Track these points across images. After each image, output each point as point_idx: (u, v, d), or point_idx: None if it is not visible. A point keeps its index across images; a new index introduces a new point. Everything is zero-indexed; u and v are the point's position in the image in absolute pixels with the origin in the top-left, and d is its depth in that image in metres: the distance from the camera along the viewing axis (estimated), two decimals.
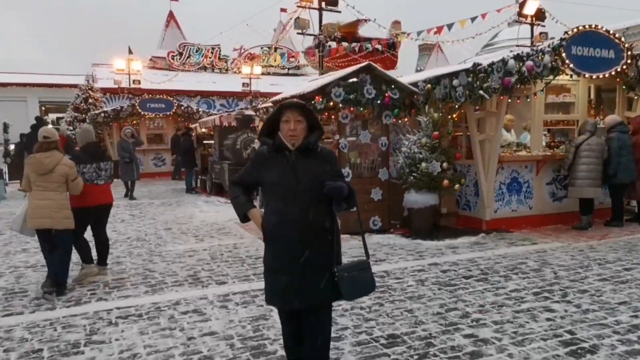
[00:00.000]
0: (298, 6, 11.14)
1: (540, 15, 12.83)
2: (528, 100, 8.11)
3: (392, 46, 22.33)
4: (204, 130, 14.75)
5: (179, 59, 29.89)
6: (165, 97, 19.68)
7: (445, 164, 7.61)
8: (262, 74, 25.84)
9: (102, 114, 18.81)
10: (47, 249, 5.36)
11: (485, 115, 7.99)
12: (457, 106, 7.77)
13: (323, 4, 11.34)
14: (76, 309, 4.88)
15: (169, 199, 13.32)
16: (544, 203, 8.60)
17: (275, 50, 31.92)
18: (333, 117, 9.01)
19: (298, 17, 11.46)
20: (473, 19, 13.77)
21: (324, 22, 11.67)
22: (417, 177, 7.70)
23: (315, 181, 2.95)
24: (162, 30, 33.37)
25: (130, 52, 22.80)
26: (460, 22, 14.17)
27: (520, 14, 12.61)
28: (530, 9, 12.54)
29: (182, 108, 19.55)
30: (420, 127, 8.01)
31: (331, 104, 7.96)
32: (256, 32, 28.69)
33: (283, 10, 34.36)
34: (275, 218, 3.01)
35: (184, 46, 30.59)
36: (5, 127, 20.84)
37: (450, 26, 14.28)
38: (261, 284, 4.24)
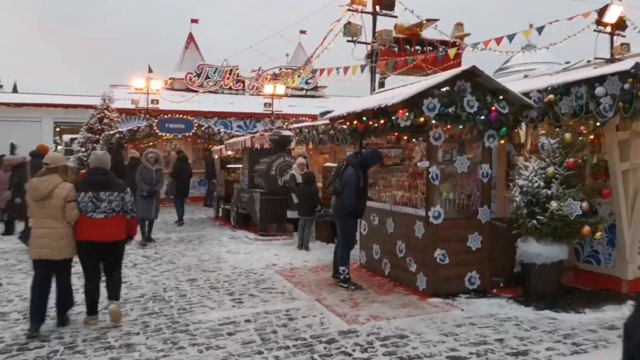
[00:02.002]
0: (349, 9, 8.94)
1: (621, 23, 10.67)
2: None
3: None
4: (230, 152, 12.39)
5: (197, 79, 27.98)
6: (184, 117, 17.43)
7: (585, 204, 5.17)
8: (276, 97, 23.68)
9: (117, 135, 16.53)
10: (38, 281, 4.71)
11: (630, 136, 5.60)
12: (597, 123, 5.36)
13: (377, 7, 9.15)
14: None
15: (187, 233, 10.87)
16: None
17: (293, 72, 29.93)
18: (407, 138, 6.66)
19: (349, 23, 9.20)
20: (540, 30, 11.48)
21: (377, 27, 9.45)
22: (545, 222, 5.26)
23: None
24: (181, 52, 31.53)
25: (150, 70, 20.67)
26: (524, 33, 11.88)
27: (599, 22, 10.44)
28: (611, 17, 10.35)
29: (203, 129, 17.27)
30: (543, 152, 5.61)
31: (421, 119, 5.59)
32: (268, 57, 26.80)
33: (302, 32, 32.54)
34: None
35: (202, 67, 28.73)
36: (13, 148, 18.62)
37: (511, 37, 12.00)
38: None
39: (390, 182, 6.86)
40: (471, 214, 5.89)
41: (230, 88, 29.05)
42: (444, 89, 5.66)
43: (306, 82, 31.42)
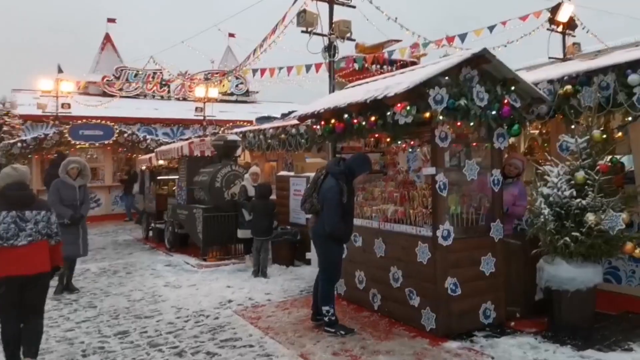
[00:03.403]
0: None
1: (571, 23, 10.32)
2: None
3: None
4: (161, 162, 10.42)
5: (117, 82, 25.04)
6: (103, 122, 14.97)
7: (625, 216, 4.16)
8: (208, 101, 21.62)
9: (19, 144, 13.75)
10: None
11: None
12: (629, 118, 4.40)
13: None
14: None
15: (111, 261, 8.74)
16: None
17: (230, 72, 27.98)
18: (389, 140, 5.40)
19: (304, 11, 7.78)
20: (491, 28, 10.84)
21: (334, 19, 8.13)
22: (581, 239, 4.18)
23: None
24: (96, 54, 28.27)
25: (60, 70, 17.74)
26: (475, 32, 11.20)
27: (551, 21, 9.99)
28: (563, 16, 9.93)
29: (125, 136, 14.92)
30: (564, 154, 4.56)
31: (427, 114, 4.31)
32: (198, 54, 24.81)
33: (231, 35, 30.68)
34: None
35: (122, 70, 25.79)
36: None
37: (463, 37, 11.26)
38: None
39: (373, 194, 5.52)
40: (482, 231, 4.69)
41: (153, 94, 26.47)
42: (447, 78, 4.44)
43: (236, 87, 29.64)
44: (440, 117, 4.34)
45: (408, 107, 4.31)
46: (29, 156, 14.19)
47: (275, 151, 10.73)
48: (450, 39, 11.38)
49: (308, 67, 12.77)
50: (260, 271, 7.09)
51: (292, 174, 8.47)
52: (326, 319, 4.61)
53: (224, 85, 27.42)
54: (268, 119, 14.85)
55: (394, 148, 5.96)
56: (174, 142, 14.34)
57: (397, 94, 4.29)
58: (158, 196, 10.48)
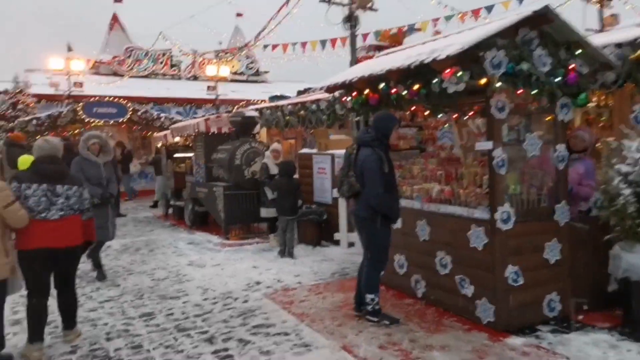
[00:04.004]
0: None
1: None
2: None
3: None
4: (177, 139, 9.94)
5: (128, 60, 24.48)
6: (116, 100, 14.47)
7: None
8: (219, 80, 20.95)
9: (34, 121, 13.32)
10: None
11: None
12: None
13: None
14: None
15: (133, 238, 8.36)
16: None
17: (231, 58, 27.28)
18: (429, 113, 4.86)
19: None
20: (489, 9, 10.16)
21: None
22: None
23: None
24: (105, 34, 27.55)
25: (69, 49, 17.17)
26: (504, 4, 10.47)
27: None
28: None
29: (139, 114, 14.43)
30: None
31: (482, 80, 3.76)
32: (207, 32, 24.06)
33: (239, 15, 29.84)
34: None
35: (132, 50, 25.13)
36: None
37: (490, 9, 10.54)
38: None
39: (412, 172, 5.00)
40: (545, 214, 4.16)
41: (164, 74, 25.94)
42: (504, 41, 3.87)
43: (247, 67, 28.97)
44: (498, 84, 3.78)
45: (460, 73, 3.76)
46: (45, 134, 13.79)
47: (293, 129, 10.21)
48: (476, 12, 10.68)
49: (324, 43, 12.12)
50: (286, 251, 6.65)
51: (314, 151, 7.95)
52: (369, 307, 4.14)
53: (234, 65, 26.73)
54: (281, 98, 14.27)
55: (434, 122, 5.41)
56: (216, 115, 13.67)
57: (449, 56, 3.71)
58: (175, 174, 10.03)
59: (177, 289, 5.32)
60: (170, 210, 10.40)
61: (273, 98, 17.07)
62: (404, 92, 4.30)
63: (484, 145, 4.01)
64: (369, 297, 4.13)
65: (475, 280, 4.11)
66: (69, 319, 3.94)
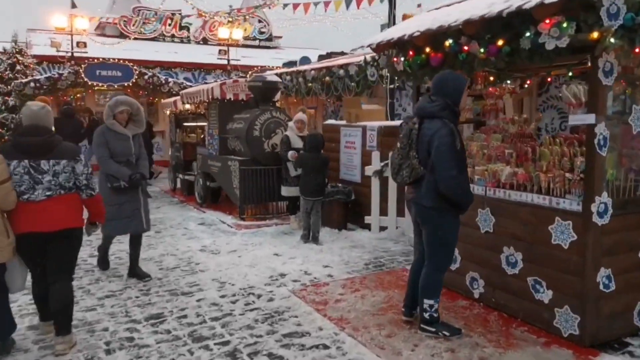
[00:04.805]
0: None
1: None
2: None
3: None
4: (187, 106, 9.11)
5: (134, 25, 23.49)
6: (122, 62, 13.58)
7: None
8: (231, 45, 19.86)
9: (32, 84, 12.51)
10: None
11: None
12: None
13: None
14: None
15: None
16: None
17: (245, 20, 26.09)
18: (493, 78, 4.00)
19: None
20: None
21: None
22: None
23: None
24: None
25: (73, 5, 16.17)
26: None
27: None
28: None
29: (146, 77, 13.55)
30: None
31: (594, 34, 2.89)
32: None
33: None
34: None
35: (139, 10, 24.09)
36: None
37: None
38: None
39: (470, 150, 4.17)
40: None
41: (173, 36, 24.96)
42: None
43: (259, 32, 27.78)
44: (612, 40, 2.91)
45: (565, 24, 2.89)
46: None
47: (316, 97, 9.33)
48: None
49: (349, 2, 11.04)
50: (311, 236, 5.93)
51: (342, 122, 7.11)
52: (427, 315, 3.40)
53: (246, 29, 25.56)
54: (296, 64, 13.29)
55: (496, 90, 4.54)
56: (232, 79, 12.69)
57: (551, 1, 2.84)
58: (185, 145, 9.25)
59: (190, 281, 4.62)
60: (178, 184, 9.67)
61: (288, 64, 16.01)
62: (482, 50, 3.41)
63: (582, 118, 3.17)
64: (427, 303, 3.38)
65: (554, 284, 3.36)
66: (63, 322, 3.28)
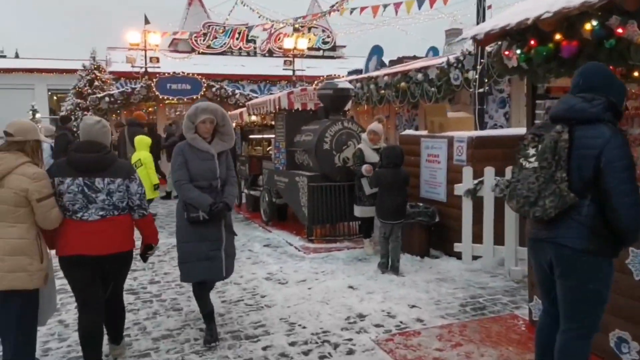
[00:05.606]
0: None
1: None
2: None
3: None
4: (253, 118, 8.67)
5: (203, 40, 24.21)
6: (191, 75, 13.62)
7: None
8: (296, 56, 19.46)
9: (107, 99, 12.81)
10: None
11: None
12: None
13: None
14: None
15: None
16: None
17: (309, 30, 25.97)
18: None
19: None
20: None
21: None
22: None
23: None
24: (184, 9, 27.38)
25: (147, 21, 16.63)
26: None
27: None
28: None
29: (214, 90, 13.49)
30: None
31: None
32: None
33: None
34: None
35: (209, 26, 24.81)
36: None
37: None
38: None
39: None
40: None
41: (240, 49, 25.45)
42: None
43: (323, 42, 27.58)
44: None
45: None
46: (118, 112, 13.32)
47: (388, 105, 8.52)
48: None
49: (420, 2, 10.12)
50: (390, 265, 5.11)
51: (424, 132, 6.24)
52: None
53: (310, 39, 25.42)
54: (361, 72, 12.52)
55: None
56: (300, 88, 12.21)
57: None
58: (251, 158, 8.80)
59: (255, 320, 3.97)
60: (244, 200, 9.23)
61: (353, 73, 15.34)
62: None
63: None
64: None
65: None
66: (116, 332, 3.36)
